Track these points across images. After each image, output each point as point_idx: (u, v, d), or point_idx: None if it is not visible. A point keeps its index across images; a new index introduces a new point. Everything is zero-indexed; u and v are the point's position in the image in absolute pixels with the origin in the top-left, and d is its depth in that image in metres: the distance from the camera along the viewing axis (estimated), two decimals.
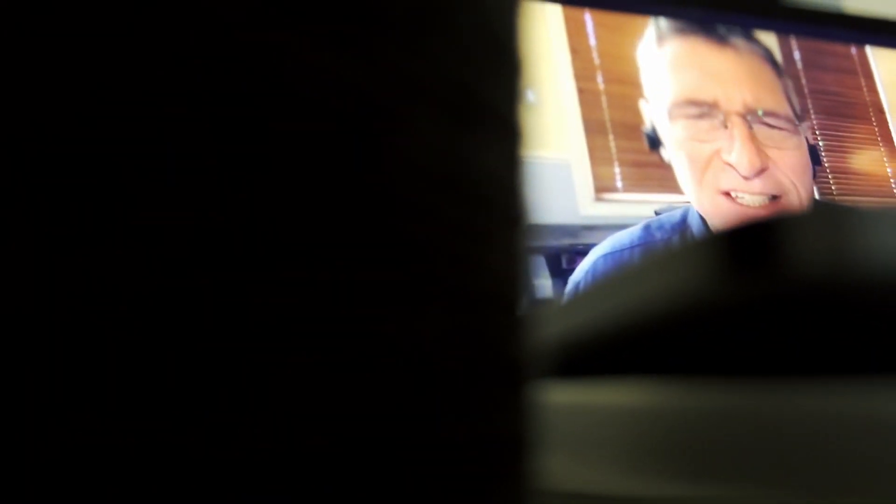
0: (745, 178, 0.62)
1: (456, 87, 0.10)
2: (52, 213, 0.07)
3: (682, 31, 0.65)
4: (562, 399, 0.19)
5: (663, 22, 0.65)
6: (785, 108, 0.67)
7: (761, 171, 0.63)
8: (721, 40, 0.66)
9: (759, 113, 0.65)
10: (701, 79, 0.64)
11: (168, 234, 0.08)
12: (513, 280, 0.11)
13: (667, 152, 0.62)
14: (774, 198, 0.63)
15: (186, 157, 0.08)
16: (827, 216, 0.14)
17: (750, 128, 0.64)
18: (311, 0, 0.09)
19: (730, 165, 0.62)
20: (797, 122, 0.67)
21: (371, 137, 0.09)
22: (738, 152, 0.63)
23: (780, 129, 0.66)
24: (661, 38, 0.65)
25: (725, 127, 0.63)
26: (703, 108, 0.63)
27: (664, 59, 0.64)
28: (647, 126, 0.62)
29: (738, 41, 0.67)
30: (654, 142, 0.62)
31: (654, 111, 0.63)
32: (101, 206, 0.08)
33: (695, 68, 0.65)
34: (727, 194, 0.62)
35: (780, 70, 0.68)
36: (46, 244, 0.07)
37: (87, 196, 0.08)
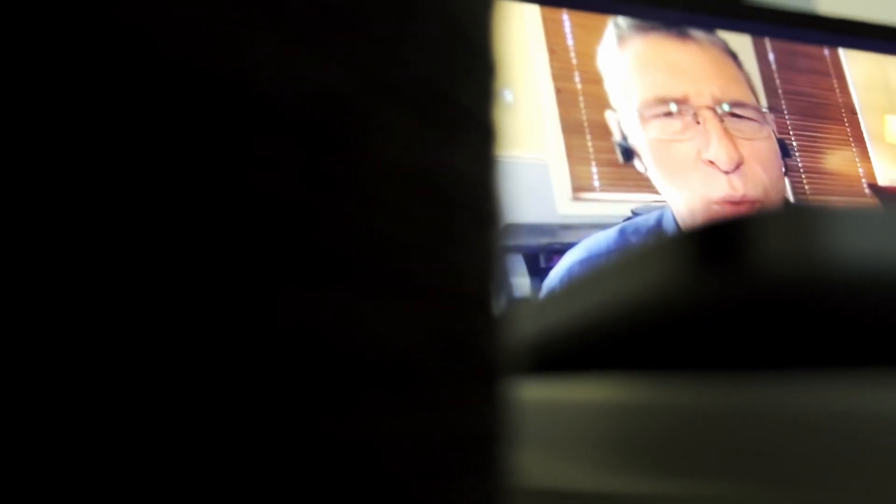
0: (726, 172, 0.62)
1: (429, 89, 0.10)
2: (48, 212, 0.08)
3: (643, 29, 0.65)
4: (536, 396, 0.19)
5: (622, 21, 0.64)
6: (750, 99, 0.67)
7: (739, 165, 0.63)
8: (682, 35, 0.66)
9: (725, 107, 0.64)
10: (668, 76, 0.64)
11: (147, 241, 0.08)
12: (486, 279, 0.11)
13: (641, 163, 0.61)
14: (752, 201, 0.63)
15: (161, 164, 0.08)
16: (796, 215, 0.14)
17: (721, 121, 0.64)
18: (282, 4, 0.09)
19: (710, 164, 0.62)
20: (763, 112, 0.67)
21: (343, 139, 0.09)
22: (715, 147, 0.63)
23: (749, 119, 0.66)
24: (622, 38, 0.64)
25: (698, 123, 0.63)
26: (673, 105, 0.63)
27: (627, 61, 0.64)
28: (616, 137, 0.61)
29: (699, 34, 0.66)
30: (628, 153, 0.61)
31: (624, 119, 0.62)
32: (81, 216, 0.08)
33: (660, 66, 0.64)
34: (713, 199, 0.61)
35: (739, 62, 0.68)
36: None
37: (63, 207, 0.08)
